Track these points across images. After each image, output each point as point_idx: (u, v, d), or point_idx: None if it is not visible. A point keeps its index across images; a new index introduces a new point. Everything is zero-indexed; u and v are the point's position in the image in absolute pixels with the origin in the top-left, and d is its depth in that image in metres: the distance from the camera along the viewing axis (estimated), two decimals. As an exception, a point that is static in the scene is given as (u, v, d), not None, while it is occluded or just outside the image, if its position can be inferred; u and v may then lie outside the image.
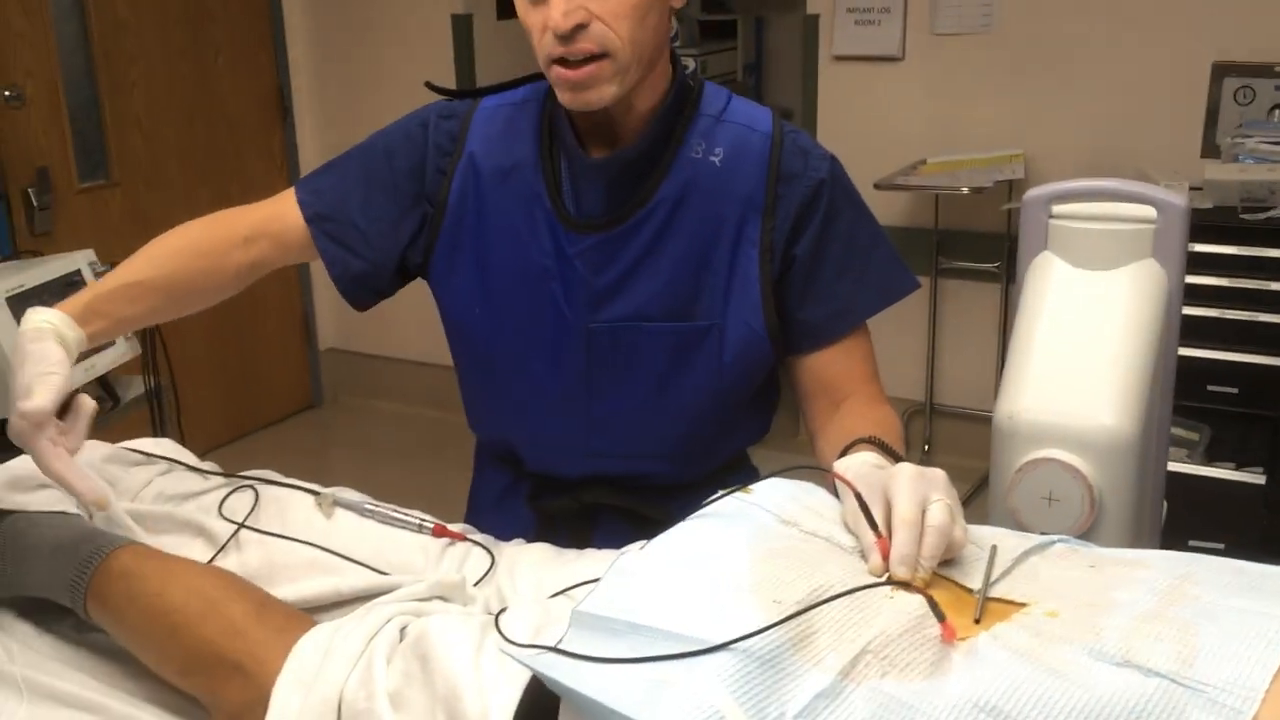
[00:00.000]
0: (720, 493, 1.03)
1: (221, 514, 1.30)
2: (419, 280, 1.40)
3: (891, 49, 3.34)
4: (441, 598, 1.14)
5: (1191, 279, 1.30)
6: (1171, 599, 0.84)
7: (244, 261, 1.33)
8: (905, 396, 3.52)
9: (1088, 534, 1.15)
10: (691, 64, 1.34)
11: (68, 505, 1.25)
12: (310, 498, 1.32)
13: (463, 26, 3.84)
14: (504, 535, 1.33)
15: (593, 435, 1.33)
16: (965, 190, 3.02)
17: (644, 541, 1.05)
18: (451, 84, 3.19)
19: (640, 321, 1.27)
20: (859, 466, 1.04)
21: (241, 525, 1.27)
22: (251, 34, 3.84)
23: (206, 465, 1.42)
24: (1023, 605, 0.86)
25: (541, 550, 1.28)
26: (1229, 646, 0.77)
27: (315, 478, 1.38)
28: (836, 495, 1.03)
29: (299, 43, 4.02)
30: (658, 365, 1.29)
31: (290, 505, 1.30)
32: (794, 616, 0.82)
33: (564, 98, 1.19)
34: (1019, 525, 1.16)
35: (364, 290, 1.36)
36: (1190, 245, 1.29)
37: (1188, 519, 1.88)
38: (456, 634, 1.01)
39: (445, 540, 1.27)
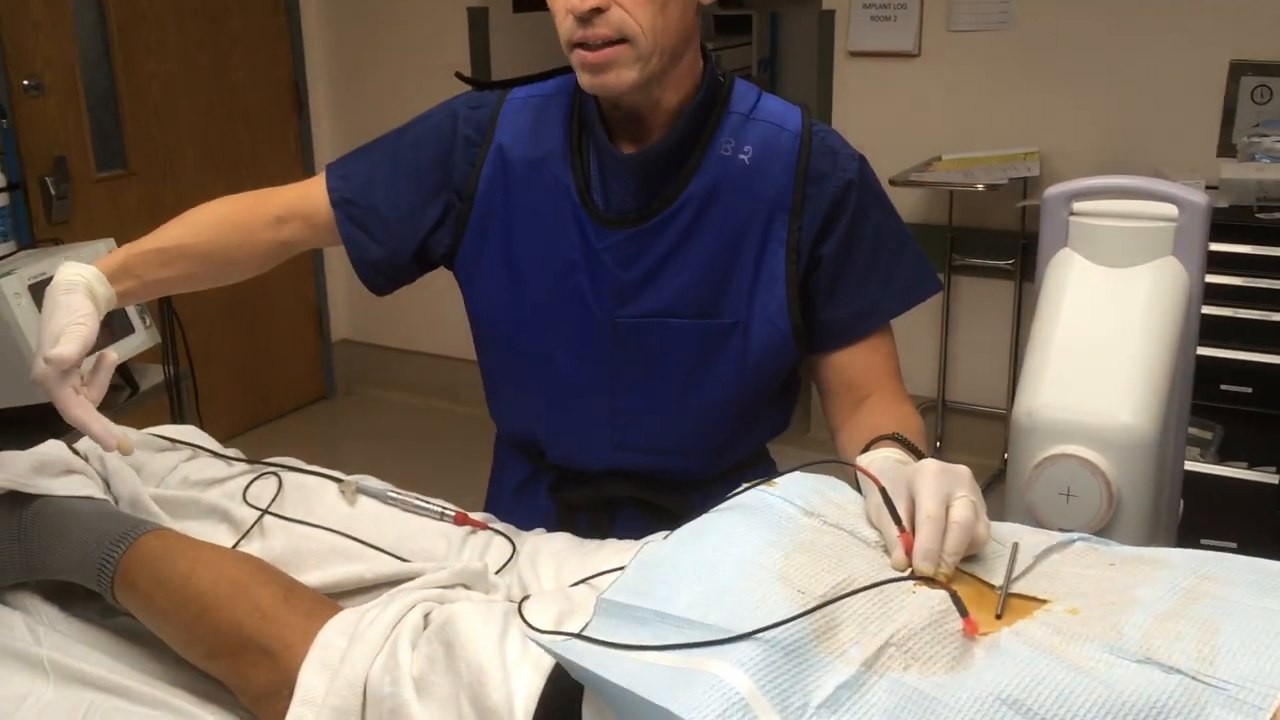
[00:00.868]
0: (744, 485, 1.04)
1: (246, 500, 1.31)
2: (432, 273, 1.41)
3: (908, 45, 3.34)
4: (464, 585, 1.15)
5: (1206, 278, 1.30)
6: (1192, 597, 0.84)
7: (275, 240, 1.35)
8: (917, 393, 3.52)
9: (1105, 530, 1.15)
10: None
11: (94, 490, 1.26)
12: (333, 485, 1.33)
13: (479, 19, 3.84)
14: (524, 525, 1.34)
15: (616, 429, 1.33)
16: (980, 187, 3.01)
17: (667, 532, 1.05)
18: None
19: (666, 317, 1.28)
20: (882, 462, 1.04)
21: (266, 511, 1.28)
22: (268, 26, 3.86)
23: (231, 452, 1.44)
24: (1044, 602, 0.87)
25: (563, 540, 1.29)
26: (1250, 644, 0.77)
27: (328, 468, 1.39)
28: (859, 490, 1.04)
29: (315, 35, 4.03)
30: (683, 361, 1.29)
31: (314, 492, 1.32)
32: (819, 608, 0.83)
33: (584, 80, 1.20)
34: (1037, 520, 1.17)
35: (381, 276, 1.37)
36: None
37: (1200, 518, 1.87)
38: (481, 621, 1.02)
39: (467, 529, 1.28)
